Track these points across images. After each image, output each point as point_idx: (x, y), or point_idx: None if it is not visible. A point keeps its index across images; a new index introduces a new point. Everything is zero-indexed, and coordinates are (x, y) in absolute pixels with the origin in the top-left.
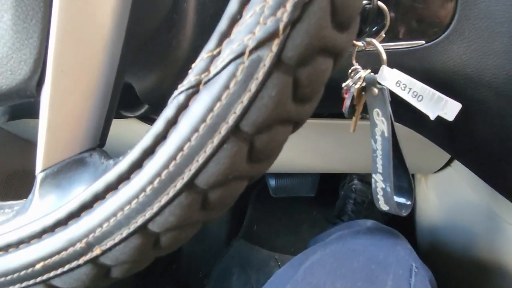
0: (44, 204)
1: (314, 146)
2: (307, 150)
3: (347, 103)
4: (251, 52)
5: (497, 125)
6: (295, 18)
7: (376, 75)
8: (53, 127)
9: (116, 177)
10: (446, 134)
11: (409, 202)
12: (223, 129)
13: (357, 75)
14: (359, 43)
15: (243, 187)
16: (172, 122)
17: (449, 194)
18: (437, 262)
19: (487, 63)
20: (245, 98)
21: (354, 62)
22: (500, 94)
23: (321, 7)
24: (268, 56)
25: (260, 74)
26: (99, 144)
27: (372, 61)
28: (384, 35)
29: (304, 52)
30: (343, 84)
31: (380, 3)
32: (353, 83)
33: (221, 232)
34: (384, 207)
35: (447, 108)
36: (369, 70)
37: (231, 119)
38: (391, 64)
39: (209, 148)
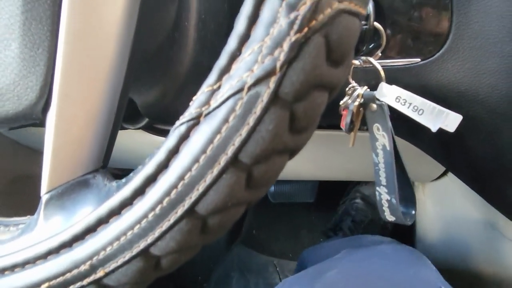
0: (49, 225)
1: (313, 155)
2: (306, 158)
3: (347, 120)
4: (249, 88)
5: (491, 141)
6: (292, 57)
7: (375, 91)
8: (58, 150)
9: (119, 202)
10: (441, 149)
11: (413, 211)
12: (223, 160)
13: (355, 93)
14: (356, 62)
15: (242, 211)
16: (174, 152)
17: (445, 202)
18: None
19: (481, 81)
20: (244, 131)
21: (350, 80)
22: (493, 112)
23: (317, 47)
24: (265, 92)
25: (258, 109)
26: (102, 165)
27: (367, 77)
28: (380, 54)
29: (300, 89)
30: (341, 102)
31: (376, 23)
32: (352, 101)
33: (220, 237)
34: (390, 218)
35: (448, 120)
36: (366, 87)
37: (230, 150)
38: (387, 81)
39: (209, 178)
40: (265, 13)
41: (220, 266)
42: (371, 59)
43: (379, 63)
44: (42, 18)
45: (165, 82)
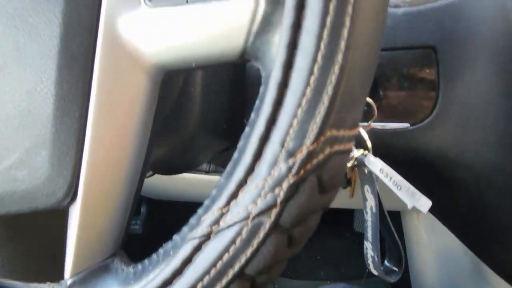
0: None
1: None
2: None
3: None
4: (253, 218)
5: (477, 202)
6: (289, 195)
7: (366, 158)
8: (82, 240)
9: None
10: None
11: (398, 269)
12: (230, 274)
13: (351, 154)
14: None
15: None
16: (188, 261)
17: (439, 232)
18: None
19: (465, 149)
20: (249, 252)
21: None
22: (478, 176)
23: (311, 185)
24: (267, 222)
25: (261, 235)
26: (120, 246)
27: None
28: (371, 124)
29: (297, 218)
30: None
31: (368, 98)
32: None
33: None
34: (374, 271)
35: (420, 202)
36: (362, 151)
37: (237, 266)
38: (380, 143)
39: (218, 287)
40: (268, 155)
41: None
42: (361, 130)
43: (372, 125)
44: (70, 130)
45: (173, 141)
